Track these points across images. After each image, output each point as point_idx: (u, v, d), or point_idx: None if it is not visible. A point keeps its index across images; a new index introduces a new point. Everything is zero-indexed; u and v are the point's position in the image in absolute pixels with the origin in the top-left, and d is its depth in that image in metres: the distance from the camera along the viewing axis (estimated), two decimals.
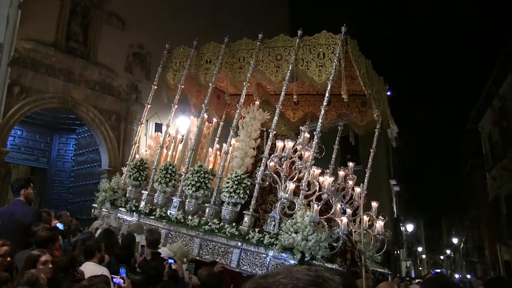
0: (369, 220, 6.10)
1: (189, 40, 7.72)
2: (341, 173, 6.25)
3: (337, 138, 7.79)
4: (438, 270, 42.12)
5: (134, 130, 12.82)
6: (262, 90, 7.05)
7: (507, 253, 20.09)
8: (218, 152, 7.94)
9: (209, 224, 5.82)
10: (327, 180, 5.71)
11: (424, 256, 45.92)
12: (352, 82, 6.31)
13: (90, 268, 3.86)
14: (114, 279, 3.62)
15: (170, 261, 4.43)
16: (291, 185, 5.51)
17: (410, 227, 30.86)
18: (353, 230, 6.06)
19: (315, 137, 5.70)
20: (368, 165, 7.27)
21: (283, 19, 18.98)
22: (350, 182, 6.39)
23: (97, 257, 4.10)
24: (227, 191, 5.84)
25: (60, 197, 13.73)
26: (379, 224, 6.08)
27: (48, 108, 11.63)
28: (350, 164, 6.74)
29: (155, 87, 7.70)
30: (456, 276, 24.65)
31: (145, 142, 12.93)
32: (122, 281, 3.60)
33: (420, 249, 42.65)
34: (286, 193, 5.47)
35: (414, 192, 36.05)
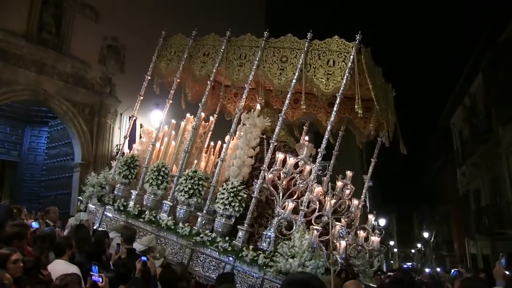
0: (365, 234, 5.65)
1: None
2: (339, 183, 5.96)
3: (337, 143, 7.23)
4: (409, 264, 43.19)
5: (108, 124, 12.67)
6: (263, 90, 6.54)
7: (474, 246, 20.73)
8: (212, 150, 7.56)
9: (201, 235, 5.50)
10: (328, 202, 5.34)
11: (395, 250, 46.93)
12: (360, 88, 5.64)
13: (60, 267, 3.75)
14: (92, 277, 3.47)
15: (143, 258, 4.40)
16: (290, 205, 5.20)
17: (382, 222, 31.42)
18: (348, 244, 5.54)
19: (319, 155, 5.29)
20: (368, 175, 7.08)
21: (259, 16, 18.95)
22: (347, 192, 6.09)
23: (67, 255, 4.00)
24: (221, 203, 5.49)
25: (32, 191, 13.54)
26: (375, 239, 5.68)
27: (19, 100, 11.36)
28: (349, 173, 6.26)
29: (149, 77, 7.17)
30: (427, 270, 25.18)
31: (119, 136, 12.78)
32: (100, 279, 3.46)
33: (392, 243, 43.57)
34: (285, 212, 5.19)
35: (387, 187, 36.66)
